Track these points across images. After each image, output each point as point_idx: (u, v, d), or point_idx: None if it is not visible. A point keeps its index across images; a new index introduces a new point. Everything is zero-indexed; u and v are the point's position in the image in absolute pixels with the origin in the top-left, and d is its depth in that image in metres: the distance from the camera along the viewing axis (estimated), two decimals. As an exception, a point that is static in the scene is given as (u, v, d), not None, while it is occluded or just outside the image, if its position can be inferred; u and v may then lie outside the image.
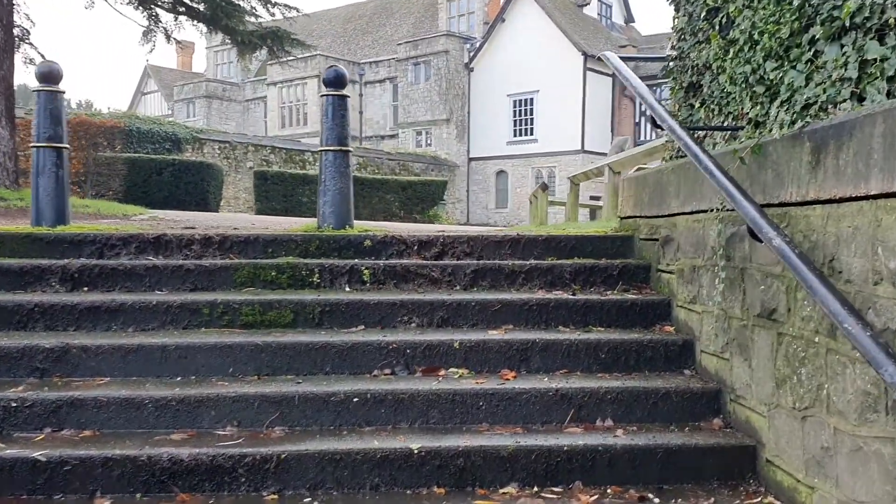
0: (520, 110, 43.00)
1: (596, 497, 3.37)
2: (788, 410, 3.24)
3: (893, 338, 2.51)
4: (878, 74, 2.90)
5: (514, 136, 43.19)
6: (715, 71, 4.86)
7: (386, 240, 5.38)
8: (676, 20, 5.61)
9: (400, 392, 3.86)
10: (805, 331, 3.10)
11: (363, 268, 5.01)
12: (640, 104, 32.51)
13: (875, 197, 2.63)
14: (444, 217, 29.97)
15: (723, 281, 3.79)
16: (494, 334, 4.42)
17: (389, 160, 40.92)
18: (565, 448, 3.52)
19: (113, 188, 20.61)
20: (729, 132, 4.74)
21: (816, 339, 3.01)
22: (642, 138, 42.51)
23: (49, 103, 5.97)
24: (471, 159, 44.93)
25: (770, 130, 4.13)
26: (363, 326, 4.58)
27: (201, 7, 19.20)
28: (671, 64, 5.77)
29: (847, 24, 3.19)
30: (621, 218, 5.85)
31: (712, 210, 4.06)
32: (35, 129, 5.96)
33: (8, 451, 3.39)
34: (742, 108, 4.51)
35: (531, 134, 42.57)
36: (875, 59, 2.94)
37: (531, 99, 42.59)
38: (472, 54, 44.56)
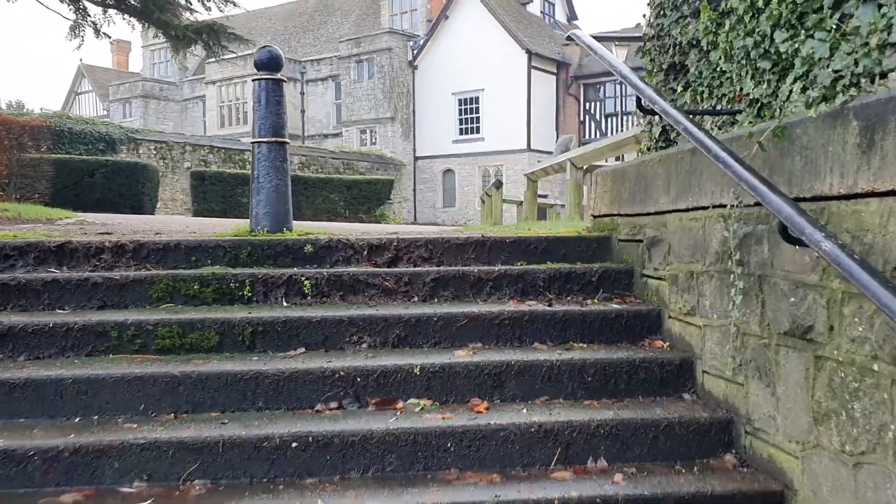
0: (465, 109, 42.45)
1: (597, 564, 2.72)
2: (834, 453, 2.62)
3: None
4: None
5: (461, 134, 42.62)
6: (705, 48, 4.25)
7: (330, 244, 4.66)
8: (655, -7, 5.01)
9: (349, 434, 3.15)
10: (857, 356, 2.48)
11: (303, 278, 4.28)
12: (586, 103, 32.13)
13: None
14: (392, 217, 29.21)
15: (735, 291, 3.16)
16: (461, 356, 3.74)
17: (333, 159, 39.99)
18: (555, 501, 2.85)
19: (39, 191, 19.44)
20: (722, 118, 4.13)
21: (876, 368, 2.39)
22: (587, 137, 42.27)
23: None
24: (417, 158, 44.23)
25: (777, 112, 3.54)
26: (304, 349, 3.86)
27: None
28: (647, 45, 5.16)
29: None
30: (595, 216, 5.22)
31: (716, 206, 3.44)
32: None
33: None
34: (741, 89, 3.90)
35: (477, 132, 42.04)
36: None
37: (476, 97, 42.06)
38: (415, 52, 43.87)
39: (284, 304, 4.23)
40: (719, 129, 4.23)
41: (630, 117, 38.22)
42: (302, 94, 50.05)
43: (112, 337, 3.75)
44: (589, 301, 4.30)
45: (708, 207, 3.53)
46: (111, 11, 18.97)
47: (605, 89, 41.76)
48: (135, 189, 24.10)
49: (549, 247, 4.80)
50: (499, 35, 40.89)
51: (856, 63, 2.82)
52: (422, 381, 3.55)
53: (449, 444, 3.17)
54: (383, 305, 4.22)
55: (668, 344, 3.95)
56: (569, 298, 4.37)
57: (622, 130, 35.14)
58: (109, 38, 20.21)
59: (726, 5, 3.97)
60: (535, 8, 46.95)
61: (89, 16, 19.98)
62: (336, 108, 48.40)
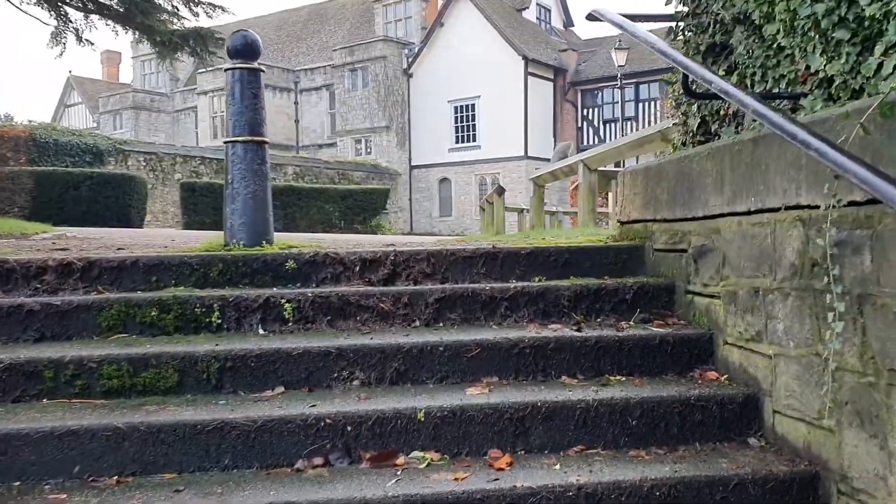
0: (461, 116, 41.82)
1: None
2: None
3: None
4: None
5: (457, 142, 41.98)
6: (757, 22, 3.57)
7: (316, 259, 3.97)
8: (691, -37, 4.34)
9: (337, 503, 2.45)
10: None
11: (284, 300, 3.58)
12: (583, 109, 31.56)
13: None
14: (388, 227, 28.52)
15: (834, 316, 2.47)
16: (475, 395, 3.05)
17: (328, 169, 39.31)
18: None
19: (19, 204, 18.75)
20: (783, 101, 3.45)
21: None
22: (585, 143, 41.65)
23: None
24: (413, 167, 43.58)
25: (858, 92, 2.88)
26: (282, 389, 3.16)
27: (114, 3, 17.56)
28: (681, 24, 4.49)
29: None
30: (622, 223, 4.53)
31: (791, 208, 2.76)
32: None
33: None
34: (807, 67, 3.23)
35: (474, 140, 41.41)
36: None
37: (472, 105, 41.44)
38: (410, 60, 43.27)
39: (261, 331, 3.54)
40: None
41: (632, 123, 37.62)
42: (296, 103, 49.42)
43: (46, 378, 3.05)
44: (624, 323, 3.61)
45: (779, 209, 2.85)
46: (93, 16, 18.31)
47: (602, 95, 41.19)
48: (122, 202, 23.39)
49: (571, 259, 4.11)
50: (495, 41, 40.30)
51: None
52: (427, 429, 2.86)
53: (465, 516, 2.47)
54: (379, 332, 3.53)
55: (724, 376, 3.25)
56: (599, 321, 3.69)
57: (623, 136, 34.53)
58: (92, 44, 19.51)
59: (788, -33, 3.30)
60: (531, 14, 46.37)
61: (71, 21, 19.30)
62: (330, 118, 47.74)
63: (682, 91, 4.02)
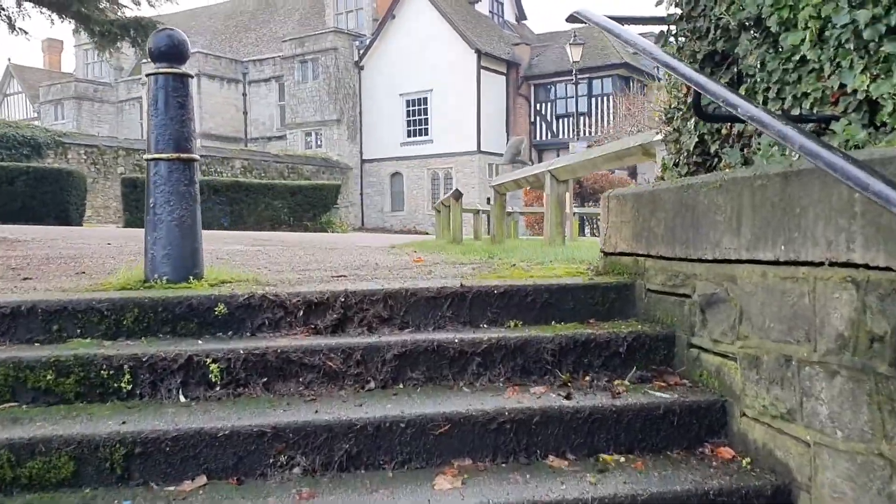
0: (413, 110, 41.18)
1: None
2: None
3: None
4: None
5: (409, 136, 41.34)
6: (772, 29, 3.03)
7: (251, 302, 3.33)
8: (686, -43, 3.80)
9: None
10: None
11: (210, 360, 2.95)
12: (536, 104, 31.21)
13: None
14: (338, 223, 27.76)
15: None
16: (445, 489, 2.45)
17: (277, 163, 38.40)
18: None
19: (-53, 201, 17.69)
20: (808, 124, 2.91)
21: None
22: (538, 138, 41.30)
23: None
24: (364, 161, 42.83)
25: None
26: (205, 479, 2.54)
27: (48, -11, 16.62)
28: (673, 28, 3.94)
29: None
30: (607, 253, 3.97)
31: (839, 265, 2.22)
32: None
33: None
34: (840, 85, 2.70)
35: (426, 134, 40.80)
36: None
37: (425, 98, 40.82)
38: (361, 52, 42.47)
39: (181, 398, 2.90)
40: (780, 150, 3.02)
41: (584, 119, 37.34)
42: (244, 95, 48.25)
43: None
44: (619, 385, 3.04)
45: (821, 264, 2.31)
46: (27, 4, 17.31)
47: (556, 90, 40.87)
48: (60, 198, 22.34)
49: (551, 299, 3.54)
50: (447, 34, 39.72)
51: None
52: (387, 542, 2.26)
53: None
54: (326, 398, 2.91)
55: (744, 458, 2.70)
56: (589, 380, 3.12)
57: (575, 133, 34.22)
58: (26, 33, 18.50)
59: (815, -34, 2.76)
60: (483, 7, 45.87)
61: (3, 9, 18.26)
62: (280, 110, 46.74)
63: (690, 111, 3.48)
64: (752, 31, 3.28)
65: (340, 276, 4.12)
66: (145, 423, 2.61)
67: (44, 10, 18.10)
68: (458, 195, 10.44)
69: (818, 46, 2.79)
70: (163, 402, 2.88)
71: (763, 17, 3.09)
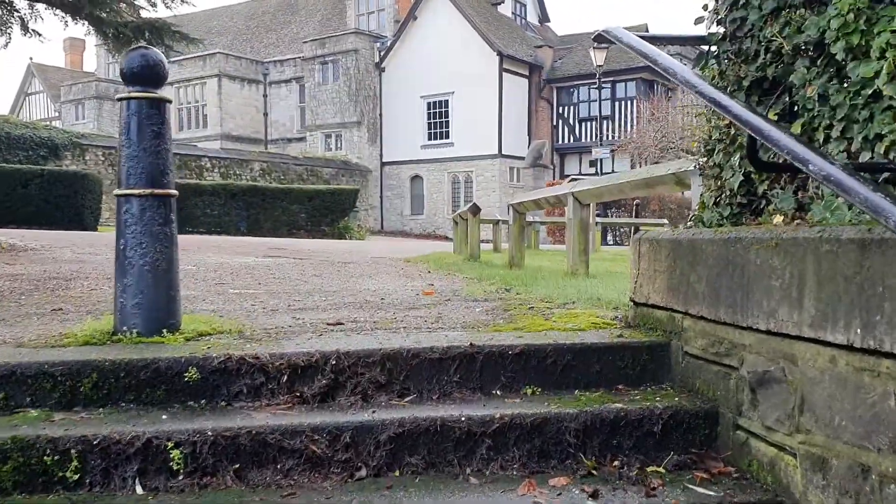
0: (434, 112, 40.77)
1: None
2: None
3: None
4: None
5: (429, 139, 40.94)
6: (839, 57, 2.56)
7: (228, 366, 2.90)
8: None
9: None
10: None
11: (170, 444, 2.51)
12: (559, 107, 30.82)
13: None
14: (356, 230, 27.38)
15: None
16: None
17: (296, 165, 38.14)
18: None
19: (-40, 204, 17.48)
20: (884, 174, 2.45)
21: None
22: (560, 142, 40.75)
23: None
24: (384, 164, 42.48)
25: None
26: None
27: (60, -9, 16.36)
28: (713, 48, 3.48)
29: None
30: (637, 303, 3.51)
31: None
32: None
33: None
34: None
35: (447, 137, 40.38)
36: None
37: (446, 101, 40.41)
38: (382, 54, 42.13)
39: (138, 489, 2.47)
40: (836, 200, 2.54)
41: (608, 123, 36.77)
42: (265, 96, 48.07)
43: None
44: (653, 474, 2.58)
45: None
46: (39, 5, 17.06)
47: (578, 93, 40.31)
48: (74, 201, 22.08)
49: (574, 361, 3.09)
50: (469, 36, 39.27)
51: None
52: None
53: None
54: (307, 491, 2.47)
55: (806, 578, 2.24)
56: (618, 465, 2.66)
57: (598, 137, 33.66)
58: (40, 35, 18.26)
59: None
60: (506, 9, 45.38)
61: (16, 10, 18.03)
62: (300, 112, 46.49)
63: (733, 144, 3.01)
64: (811, 58, 2.81)
65: (338, 323, 3.68)
66: (88, 529, 2.19)
67: (57, 11, 17.87)
68: (475, 210, 9.98)
69: (900, 79, 2.32)
70: (116, 493, 2.45)
71: (826, 42, 2.63)
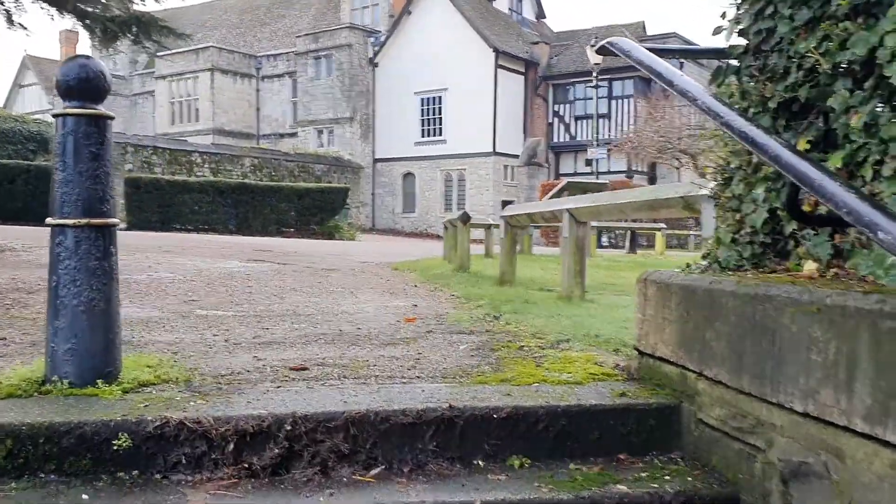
0: (428, 109, 40.34)
1: None
2: None
3: None
4: None
5: (423, 136, 40.52)
6: (894, 80, 2.15)
7: (165, 432, 2.46)
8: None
9: None
10: None
11: (84, 542, 2.09)
12: (555, 105, 30.55)
13: None
14: (346, 229, 26.90)
15: None
16: None
17: (287, 161, 37.69)
18: None
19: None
20: None
21: None
22: (555, 140, 40.33)
23: None
24: (376, 160, 42.05)
25: None
26: None
27: (43, -17, 15.88)
28: (735, 63, 3.05)
29: None
30: (642, 353, 3.09)
31: None
32: None
33: None
34: None
35: (440, 134, 39.96)
36: None
37: (440, 97, 40.00)
38: (376, 49, 41.69)
39: None
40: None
41: (604, 121, 36.36)
42: (257, 90, 47.61)
43: None
44: (663, 581, 2.17)
45: None
46: (23, -1, 16.58)
47: (575, 91, 39.92)
48: (60, 197, 21.55)
49: (569, 426, 2.67)
50: (464, 32, 38.83)
51: None
52: None
53: None
54: None
55: None
56: (621, 566, 2.24)
57: (594, 136, 33.25)
58: (25, 28, 17.74)
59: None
60: (502, 5, 44.95)
61: (1, 3, 17.55)
62: (293, 107, 46.05)
63: (756, 173, 2.59)
64: (856, 80, 2.39)
65: (302, 368, 3.25)
66: None
67: (43, 5, 17.41)
68: (465, 218, 9.55)
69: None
70: None
71: (878, 61, 2.21)
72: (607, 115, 37.48)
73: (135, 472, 2.43)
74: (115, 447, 2.42)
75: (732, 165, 3.04)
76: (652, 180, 36.87)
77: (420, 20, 40.21)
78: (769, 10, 2.76)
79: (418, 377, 3.15)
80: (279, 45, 48.06)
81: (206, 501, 2.25)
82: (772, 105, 2.78)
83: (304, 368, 3.27)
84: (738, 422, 2.38)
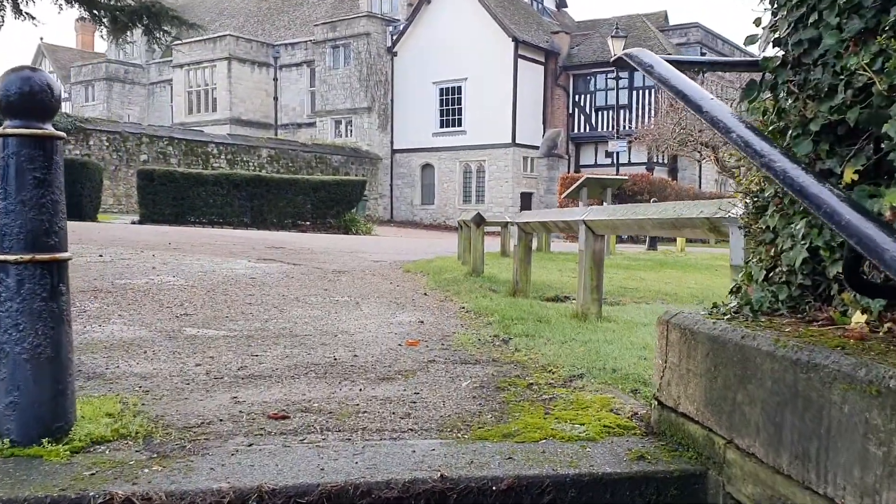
0: (447, 99, 39.89)
1: None
2: None
3: None
4: None
5: (441, 126, 40.08)
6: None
7: (111, 512, 2.14)
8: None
9: None
10: None
11: None
12: (575, 95, 30.00)
13: None
14: (363, 221, 26.59)
15: None
16: None
17: (305, 152, 37.42)
18: None
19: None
20: None
21: None
22: (576, 131, 39.79)
23: None
24: (394, 151, 41.66)
25: None
26: None
27: (51, -26, 15.71)
28: (769, 76, 2.67)
29: None
30: (663, 404, 2.72)
31: None
32: None
33: None
34: None
35: (459, 125, 39.51)
36: None
37: (459, 87, 39.51)
38: (395, 38, 41.24)
39: None
40: None
41: (625, 112, 35.82)
42: (275, 80, 47.29)
43: None
44: None
45: None
46: (31, -12, 16.41)
47: (595, 81, 39.33)
48: (73, 190, 21.37)
49: (578, 497, 2.32)
50: (484, 21, 38.32)
51: None
52: None
53: None
54: None
55: None
56: None
57: (614, 127, 32.71)
58: (34, 18, 17.56)
59: None
60: (522, -7, 44.34)
61: (9, -8, 17.47)
62: (311, 96, 45.75)
63: (793, 205, 2.22)
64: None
65: (283, 417, 2.91)
66: None
67: (51, -6, 17.29)
68: (479, 220, 9.18)
69: None
70: None
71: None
72: (628, 106, 36.88)
73: (73, 560, 2.11)
74: (51, 534, 2.09)
75: (767, 193, 2.66)
76: (672, 172, 36.33)
77: (439, 8, 39.72)
78: (812, 18, 2.38)
79: (411, 429, 2.80)
80: (297, 34, 47.73)
81: None
82: (813, 127, 2.40)
83: (285, 417, 2.93)
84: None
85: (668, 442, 2.61)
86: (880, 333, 2.08)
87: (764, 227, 2.70)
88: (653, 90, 36.00)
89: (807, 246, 2.41)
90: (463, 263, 10.72)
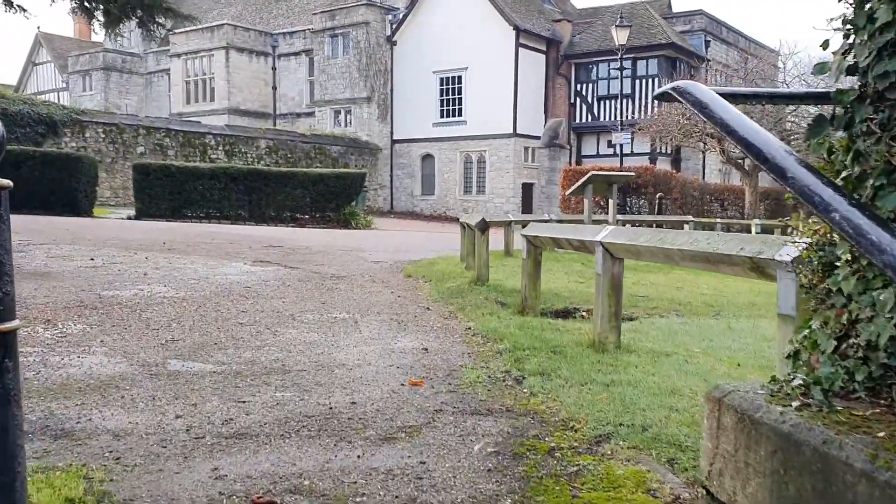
0: (447, 89, 39.35)
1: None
2: None
3: None
4: None
5: (442, 116, 39.56)
6: None
7: None
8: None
9: None
10: None
11: None
12: (577, 84, 29.51)
13: None
14: (362, 214, 26.15)
15: None
16: None
17: (304, 143, 36.95)
18: None
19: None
20: None
21: None
22: (577, 121, 39.29)
23: None
24: (394, 141, 41.16)
25: None
26: None
27: (39, -35, 15.21)
28: (841, 110, 2.26)
29: None
30: (713, 497, 2.32)
31: None
32: None
33: None
34: None
35: (460, 115, 39.00)
36: None
37: (459, 77, 38.97)
38: (394, 26, 40.68)
39: None
40: None
41: (627, 102, 35.33)
42: (273, 69, 46.74)
43: None
44: None
45: None
46: (22, -21, 15.92)
47: (597, 70, 38.78)
48: (68, 185, 20.95)
49: None
50: (484, 9, 37.75)
51: None
52: None
53: None
54: None
55: None
56: None
57: (617, 117, 32.21)
58: (25, 10, 17.10)
59: None
60: (523, -20, 43.72)
61: (-2, -16, 17.00)
62: (309, 86, 45.22)
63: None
64: None
65: (267, 502, 2.51)
66: None
67: (42, -14, 16.80)
68: (483, 226, 8.76)
69: None
70: None
71: None
72: (631, 96, 36.37)
73: None
74: None
75: (840, 252, 2.26)
76: (675, 163, 35.87)
77: (439, -4, 39.19)
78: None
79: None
80: (296, 22, 47.17)
81: None
82: (900, 175, 2.00)
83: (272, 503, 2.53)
84: None
85: (721, 545, 2.22)
86: None
87: (834, 288, 2.29)
88: (656, 79, 35.52)
89: (894, 321, 2.01)
90: (466, 268, 10.30)
